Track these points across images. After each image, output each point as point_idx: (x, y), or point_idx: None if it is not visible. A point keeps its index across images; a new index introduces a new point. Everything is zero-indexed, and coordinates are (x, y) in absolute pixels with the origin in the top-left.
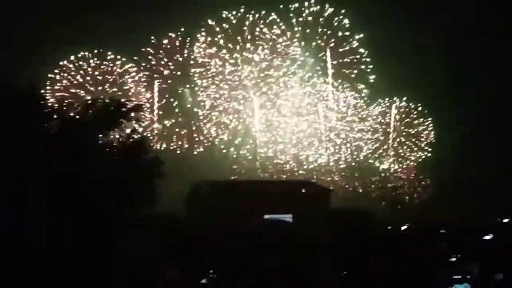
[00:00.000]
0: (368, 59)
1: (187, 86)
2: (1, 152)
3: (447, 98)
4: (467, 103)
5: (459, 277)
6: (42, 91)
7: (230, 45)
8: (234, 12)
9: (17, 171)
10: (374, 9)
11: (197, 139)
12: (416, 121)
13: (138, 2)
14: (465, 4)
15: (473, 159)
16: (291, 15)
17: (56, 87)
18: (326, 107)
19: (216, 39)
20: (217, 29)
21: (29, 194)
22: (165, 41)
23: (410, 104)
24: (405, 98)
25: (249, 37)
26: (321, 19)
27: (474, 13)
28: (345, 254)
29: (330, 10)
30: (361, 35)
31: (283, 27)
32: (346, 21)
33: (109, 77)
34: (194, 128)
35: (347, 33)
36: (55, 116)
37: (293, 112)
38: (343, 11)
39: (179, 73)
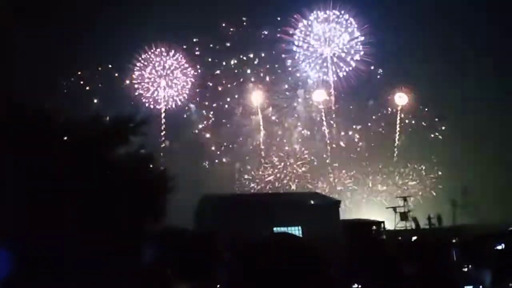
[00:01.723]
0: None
1: (193, 102)
2: (14, 169)
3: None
4: (479, 115)
5: (471, 287)
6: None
7: (232, 62)
8: (233, 29)
9: (29, 186)
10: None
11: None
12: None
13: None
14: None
15: (483, 169)
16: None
17: (63, 103)
18: (331, 123)
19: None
20: (218, 47)
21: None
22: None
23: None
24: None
25: (251, 55)
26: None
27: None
28: (358, 265)
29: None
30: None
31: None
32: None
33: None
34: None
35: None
36: (63, 132)
37: (297, 129)
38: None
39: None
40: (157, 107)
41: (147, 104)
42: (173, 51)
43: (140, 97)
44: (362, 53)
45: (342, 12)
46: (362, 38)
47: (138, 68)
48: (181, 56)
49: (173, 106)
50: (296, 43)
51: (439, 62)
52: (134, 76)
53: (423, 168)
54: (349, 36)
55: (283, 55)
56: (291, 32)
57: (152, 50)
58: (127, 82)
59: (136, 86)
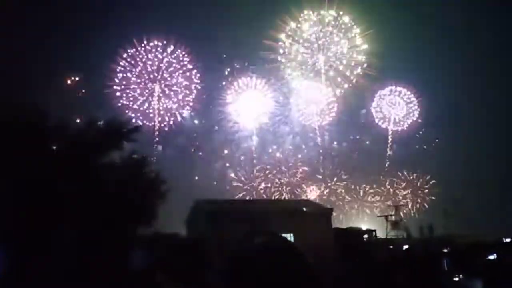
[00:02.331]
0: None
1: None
2: (8, 170)
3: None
4: (472, 126)
5: None
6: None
7: (226, 71)
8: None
9: (23, 186)
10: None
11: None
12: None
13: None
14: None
15: (475, 180)
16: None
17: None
18: (324, 132)
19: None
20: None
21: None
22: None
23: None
24: (405, 126)
25: (246, 63)
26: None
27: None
28: (349, 272)
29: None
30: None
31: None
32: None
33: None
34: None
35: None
36: (57, 135)
37: (290, 137)
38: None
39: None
40: (149, 123)
41: (134, 119)
42: (172, 46)
43: (124, 109)
44: (365, 65)
45: (341, 13)
46: (366, 46)
47: (122, 68)
48: (183, 53)
49: (171, 122)
50: (281, 51)
51: (439, 71)
52: (116, 80)
53: (415, 177)
54: (349, 44)
55: (267, 65)
56: (276, 37)
57: (143, 45)
58: (114, 87)
59: (118, 93)
